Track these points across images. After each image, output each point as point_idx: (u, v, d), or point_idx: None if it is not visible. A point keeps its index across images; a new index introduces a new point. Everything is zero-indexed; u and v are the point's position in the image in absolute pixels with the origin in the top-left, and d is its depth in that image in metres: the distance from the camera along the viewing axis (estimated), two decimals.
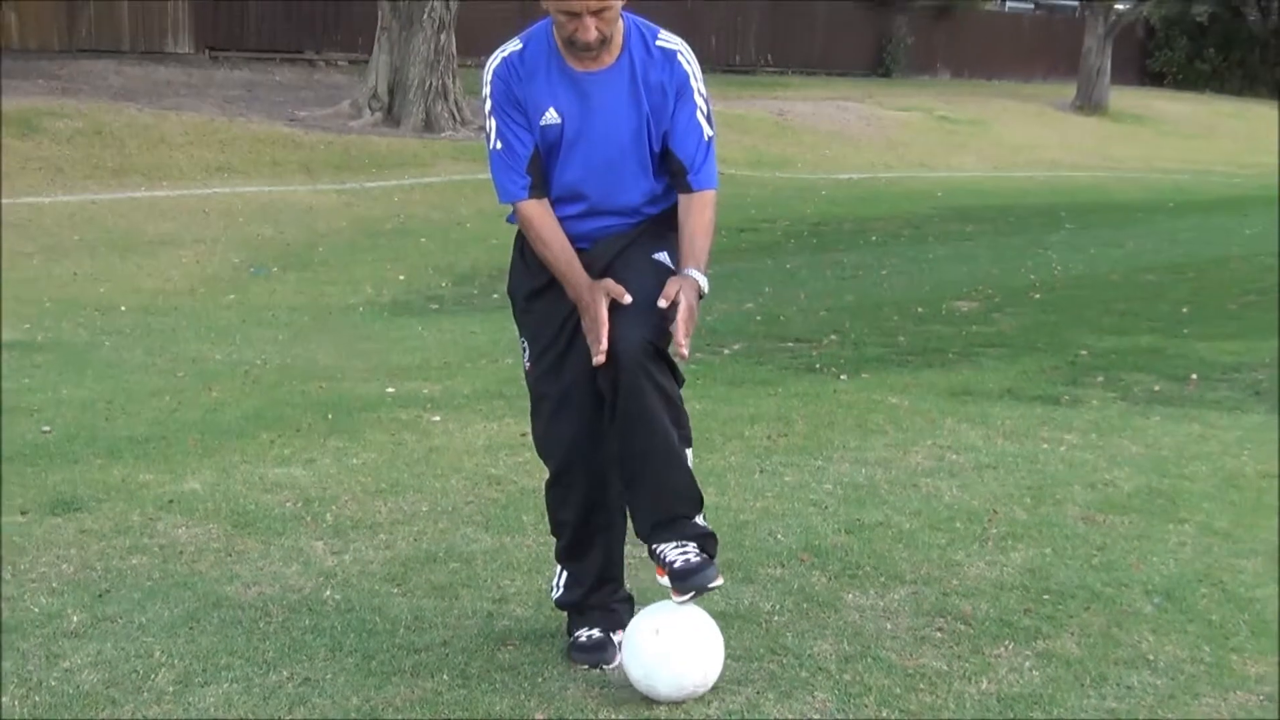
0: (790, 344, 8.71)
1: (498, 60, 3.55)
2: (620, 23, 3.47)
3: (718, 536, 3.63)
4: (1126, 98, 35.56)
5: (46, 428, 6.34)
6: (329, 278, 11.80)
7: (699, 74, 3.57)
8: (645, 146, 3.54)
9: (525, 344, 3.73)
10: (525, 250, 3.67)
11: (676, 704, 3.40)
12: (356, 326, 9.61)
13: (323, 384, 7.45)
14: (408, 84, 20.52)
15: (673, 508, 3.50)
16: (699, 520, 3.55)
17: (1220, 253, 13.46)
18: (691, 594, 3.42)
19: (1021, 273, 12.01)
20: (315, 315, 10.05)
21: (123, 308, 10.16)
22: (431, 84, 20.57)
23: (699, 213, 3.53)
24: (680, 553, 3.45)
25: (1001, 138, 27.80)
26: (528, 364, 3.74)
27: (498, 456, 5.81)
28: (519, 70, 3.52)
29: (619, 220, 3.61)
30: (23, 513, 4.97)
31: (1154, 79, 43.29)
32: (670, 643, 3.39)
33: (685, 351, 3.34)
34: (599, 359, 3.36)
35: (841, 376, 7.65)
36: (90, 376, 7.67)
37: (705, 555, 3.46)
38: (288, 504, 5.11)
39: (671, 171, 3.57)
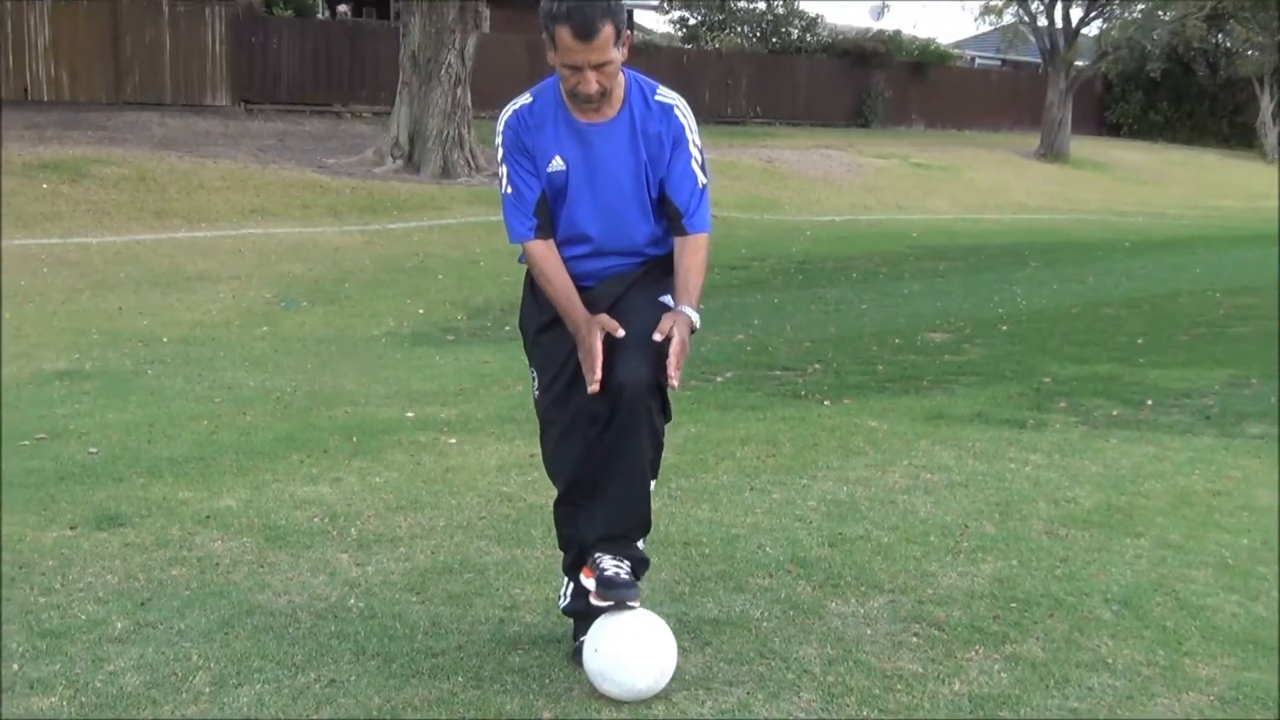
0: (778, 372, 8.72)
1: (509, 112, 3.58)
2: (621, 78, 3.49)
3: (649, 563, 3.70)
4: (1086, 147, 35.69)
5: (93, 449, 6.35)
6: (354, 311, 11.82)
7: (694, 126, 3.59)
8: (644, 192, 3.55)
9: (535, 374, 3.75)
10: (534, 287, 3.69)
11: (665, 700, 3.41)
12: (379, 356, 9.62)
13: (348, 409, 7.45)
14: (426, 134, 20.59)
15: (625, 527, 3.56)
16: (640, 545, 3.62)
17: (1172, 288, 13.49)
18: (610, 603, 3.47)
19: (990, 306, 12.02)
20: (341, 346, 10.06)
21: (164, 339, 10.17)
22: (448, 134, 20.65)
23: (692, 254, 3.55)
24: (615, 566, 3.51)
25: (971, 183, 27.88)
26: (537, 392, 3.75)
27: (509, 475, 5.81)
28: (528, 121, 3.54)
29: (622, 260, 3.63)
30: (71, 527, 4.97)
31: (1111, 129, 43.52)
32: (609, 655, 3.41)
33: (675, 382, 3.35)
34: (593, 388, 3.38)
35: (825, 402, 7.65)
36: (134, 402, 7.68)
37: (633, 577, 3.53)
38: (315, 519, 5.11)
39: (668, 216, 3.59)
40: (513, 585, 4.35)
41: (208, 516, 5.13)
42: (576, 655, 3.68)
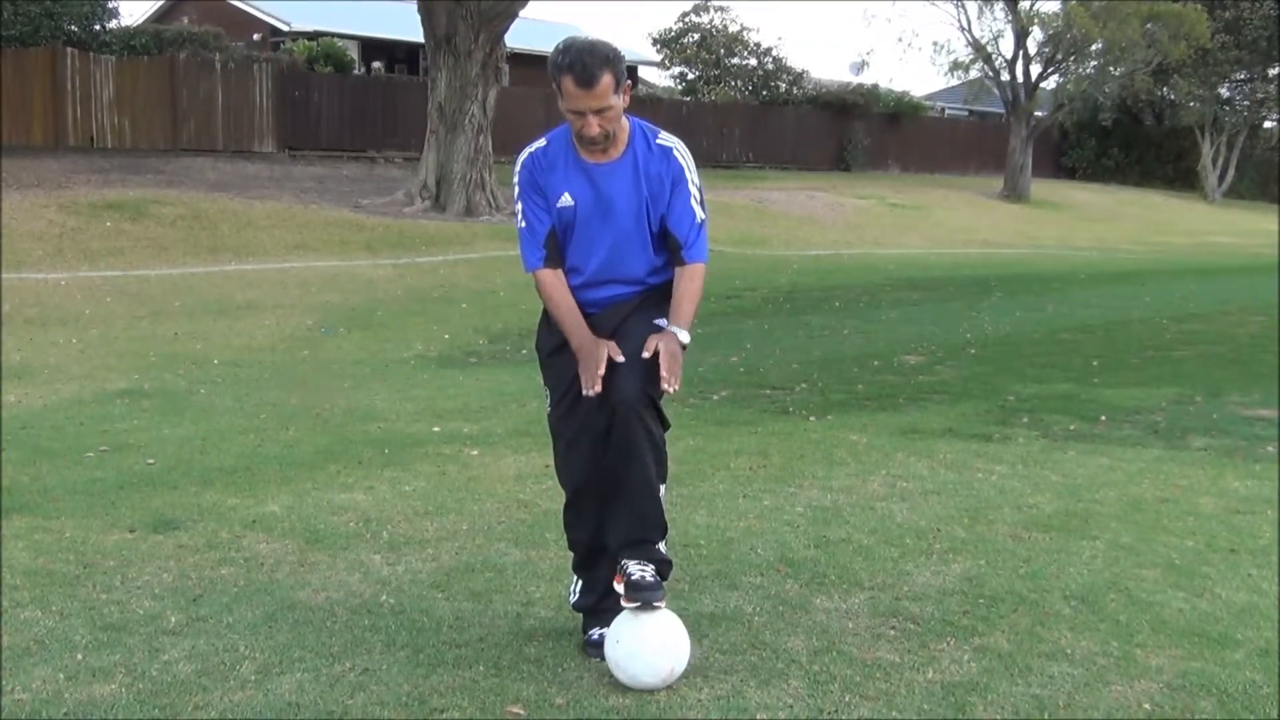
0: (768, 391, 8.71)
1: (525, 154, 3.62)
2: (625, 123, 3.52)
3: (673, 563, 3.67)
4: (1045, 188, 35.75)
5: (151, 460, 6.35)
6: (386, 337, 11.83)
7: (692, 166, 3.60)
8: (645, 227, 3.57)
9: (547, 391, 3.75)
10: (548, 314, 3.70)
11: (668, 688, 3.39)
12: (408, 377, 9.62)
13: (380, 424, 7.45)
14: (452, 177, 20.67)
15: (643, 532, 3.54)
16: (661, 547, 3.59)
17: (1124, 316, 13.48)
18: (638, 604, 3.45)
19: (959, 332, 12.01)
20: (374, 367, 10.06)
21: (215, 361, 10.18)
22: (471, 177, 20.72)
23: (689, 281, 3.57)
24: (640, 570, 3.49)
25: (942, 221, 27.91)
26: (549, 408, 3.76)
27: (526, 484, 5.80)
28: (541, 162, 3.58)
29: (625, 289, 3.63)
30: (130, 531, 4.96)
31: (1067, 173, 43.62)
32: (627, 649, 3.40)
33: (671, 388, 3.34)
34: (588, 391, 3.39)
35: (811, 418, 7.64)
36: (188, 418, 7.68)
37: (659, 578, 3.51)
38: (351, 524, 5.10)
39: (670, 248, 3.60)
40: (529, 583, 4.34)
41: (254, 521, 5.12)
42: (586, 648, 3.67)
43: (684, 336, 3.46)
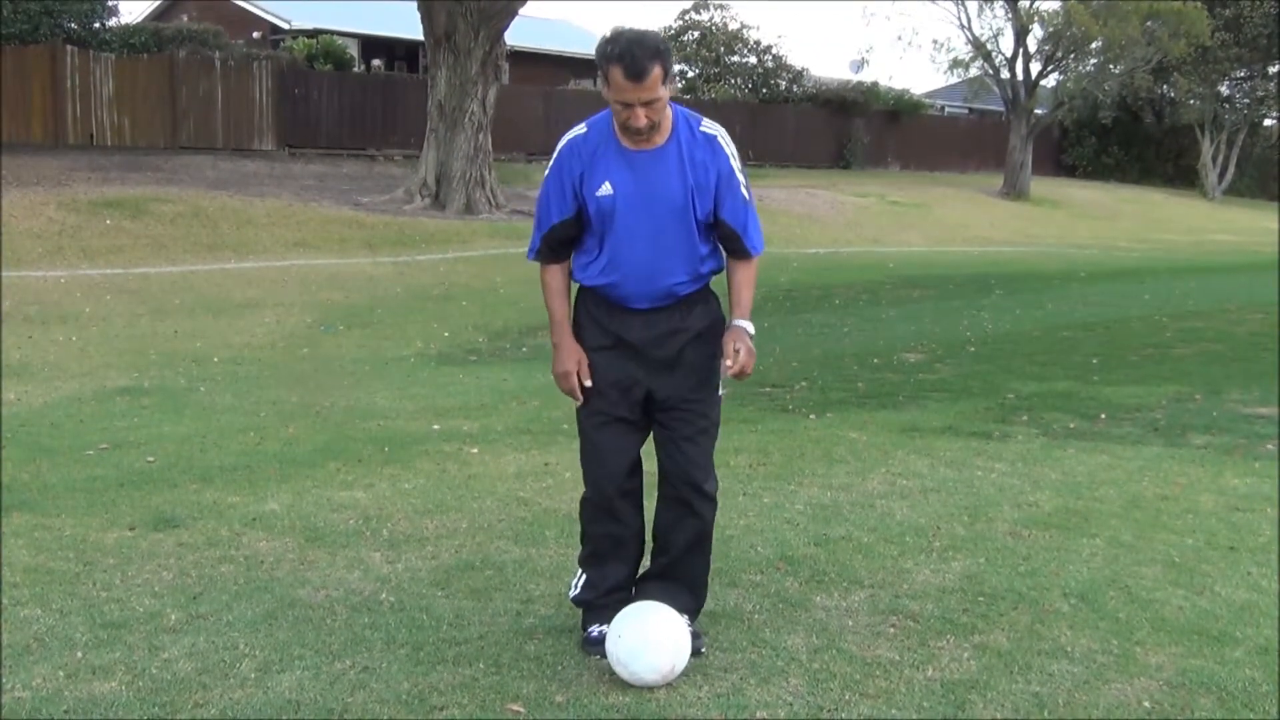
0: (768, 389, 8.71)
1: (565, 140, 3.58)
2: (669, 111, 3.50)
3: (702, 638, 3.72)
4: (1045, 186, 35.73)
5: (150, 458, 6.35)
6: (386, 334, 11.82)
7: (735, 153, 3.60)
8: (690, 215, 3.53)
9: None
10: (588, 309, 3.66)
11: (668, 686, 3.40)
12: (408, 374, 9.62)
13: (380, 422, 7.45)
14: (451, 175, 20.66)
15: (697, 604, 3.79)
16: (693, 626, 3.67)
17: (1123, 314, 13.48)
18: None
19: (959, 330, 12.01)
20: (374, 365, 10.06)
21: (215, 359, 10.18)
22: (471, 175, 20.71)
23: (744, 271, 3.64)
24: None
25: (941, 219, 27.90)
26: (577, 405, 3.69)
27: (525, 482, 5.80)
28: (581, 149, 3.54)
29: (670, 280, 3.57)
30: (130, 528, 4.96)
31: (1067, 171, 43.61)
32: (633, 642, 3.40)
33: (748, 370, 3.51)
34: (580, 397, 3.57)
35: (810, 416, 7.64)
36: (188, 416, 7.68)
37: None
38: (351, 521, 5.10)
39: (724, 237, 3.61)
40: (528, 581, 4.34)
41: (254, 519, 5.12)
42: (585, 645, 3.67)
43: (749, 327, 3.54)
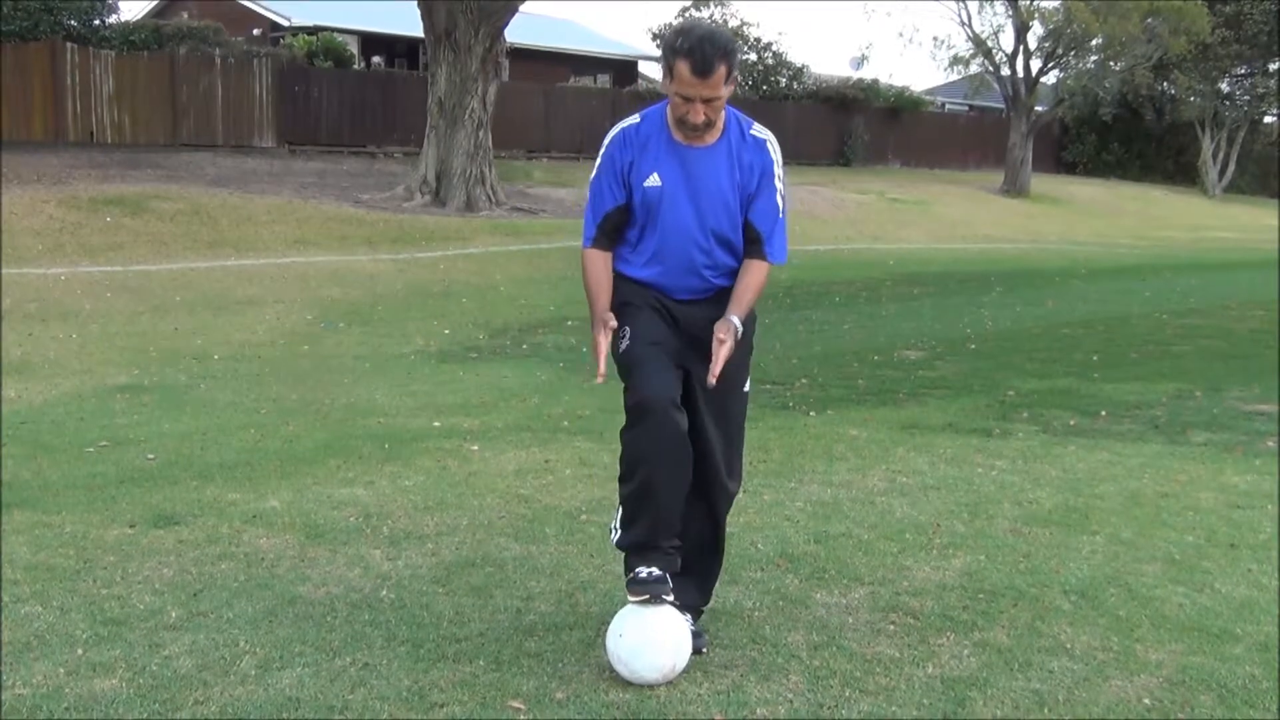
0: (768, 386, 8.70)
1: (617, 129, 3.59)
2: (723, 111, 3.51)
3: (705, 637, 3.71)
4: (1045, 183, 35.73)
5: (151, 455, 6.35)
6: (386, 331, 11.82)
7: (780, 161, 3.60)
8: (736, 214, 3.54)
9: (626, 330, 3.57)
10: (631, 292, 3.61)
11: (668, 684, 3.40)
12: (408, 372, 9.62)
13: (380, 419, 7.45)
14: (452, 172, 20.65)
15: (707, 598, 3.84)
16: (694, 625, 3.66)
17: (1124, 311, 13.48)
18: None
19: (959, 327, 12.01)
20: (375, 362, 10.06)
21: (215, 356, 10.18)
22: (471, 172, 20.71)
23: (754, 274, 3.57)
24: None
25: (942, 216, 27.90)
26: (626, 343, 3.57)
27: (526, 479, 5.80)
28: (633, 139, 3.55)
29: (710, 277, 3.57)
30: (131, 526, 4.96)
31: (1068, 168, 43.60)
32: (635, 640, 3.39)
33: (713, 379, 3.42)
34: (598, 380, 3.47)
35: (810, 413, 7.64)
36: (188, 413, 7.67)
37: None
38: (351, 519, 5.10)
39: (748, 239, 3.59)
40: (529, 578, 4.34)
41: (254, 516, 5.12)
42: (630, 585, 3.48)
43: (737, 324, 3.47)
